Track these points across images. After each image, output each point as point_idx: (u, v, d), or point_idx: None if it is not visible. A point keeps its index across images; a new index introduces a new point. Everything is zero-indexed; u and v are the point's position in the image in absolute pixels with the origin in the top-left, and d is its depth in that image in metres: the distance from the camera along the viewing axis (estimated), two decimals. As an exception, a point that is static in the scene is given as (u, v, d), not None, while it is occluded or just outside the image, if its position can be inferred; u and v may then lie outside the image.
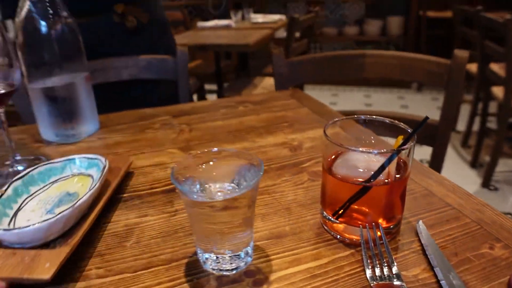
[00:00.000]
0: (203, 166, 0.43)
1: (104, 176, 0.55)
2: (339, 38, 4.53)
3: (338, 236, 0.48)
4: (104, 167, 0.56)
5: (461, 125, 3.04)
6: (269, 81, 2.86)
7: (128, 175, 0.65)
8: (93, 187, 0.51)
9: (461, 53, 1.01)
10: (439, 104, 0.94)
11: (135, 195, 0.59)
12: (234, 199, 0.37)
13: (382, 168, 0.43)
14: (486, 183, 2.33)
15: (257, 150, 0.72)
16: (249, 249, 0.43)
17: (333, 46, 4.77)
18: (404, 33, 4.22)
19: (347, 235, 0.47)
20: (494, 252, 0.44)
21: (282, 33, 3.62)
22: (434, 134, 1.06)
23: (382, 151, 0.44)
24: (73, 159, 0.61)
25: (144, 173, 0.66)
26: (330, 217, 0.48)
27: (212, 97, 3.51)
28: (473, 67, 2.74)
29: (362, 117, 0.49)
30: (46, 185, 0.58)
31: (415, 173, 0.61)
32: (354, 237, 0.46)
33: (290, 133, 0.79)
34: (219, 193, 0.42)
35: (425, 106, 3.67)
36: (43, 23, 0.74)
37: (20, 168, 0.71)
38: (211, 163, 0.43)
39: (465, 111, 3.04)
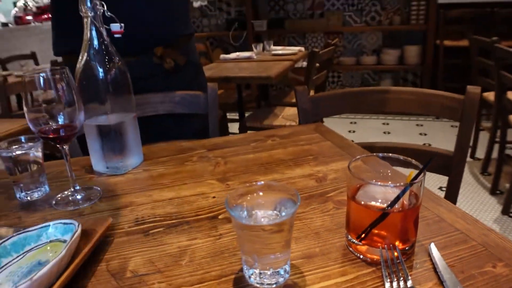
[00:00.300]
0: (250, 196, 0.52)
1: (73, 243, 0.54)
2: (356, 67, 4.64)
3: (361, 256, 0.56)
4: (74, 233, 0.55)
5: (481, 153, 3.08)
6: (289, 111, 2.97)
7: (173, 204, 0.75)
8: (57, 256, 0.49)
9: (474, 89, 1.10)
10: (457, 131, 1.00)
11: (184, 221, 0.69)
12: (278, 224, 0.46)
13: (397, 198, 0.52)
14: (506, 210, 2.36)
15: (287, 181, 0.81)
16: (287, 267, 0.52)
17: (351, 75, 4.89)
18: (422, 62, 4.31)
19: (369, 255, 0.55)
20: (496, 270, 0.52)
21: (301, 62, 3.76)
22: (449, 164, 1.13)
23: (397, 184, 0.53)
24: (48, 226, 0.60)
25: (189, 202, 0.75)
26: (354, 240, 0.56)
27: (234, 126, 3.63)
28: (490, 96, 2.80)
29: (380, 154, 0.58)
30: (20, 255, 0.56)
31: (427, 201, 0.69)
32: (375, 257, 0.55)
33: (315, 165, 0.87)
34: (263, 219, 0.51)
35: (444, 133, 3.71)
36: (100, 69, 0.86)
37: (78, 197, 0.82)
38: (256, 194, 0.53)
39: (484, 138, 3.08)
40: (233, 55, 3.28)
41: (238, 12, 5.01)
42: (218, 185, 0.81)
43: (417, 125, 4.01)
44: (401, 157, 0.57)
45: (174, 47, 1.30)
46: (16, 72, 3.84)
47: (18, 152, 0.81)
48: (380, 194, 0.56)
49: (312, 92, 2.73)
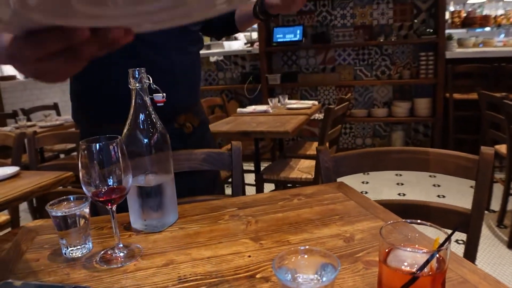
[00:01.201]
0: (294, 259, 0.58)
1: None
2: (368, 119, 4.74)
3: (394, 316, 0.61)
4: None
5: (495, 205, 3.09)
6: (304, 163, 3.04)
7: (212, 263, 0.80)
8: None
9: (487, 150, 1.16)
10: (471, 183, 1.02)
11: (224, 280, 0.74)
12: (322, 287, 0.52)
13: (426, 263, 0.57)
14: (525, 265, 2.35)
15: (316, 242, 0.86)
16: (327, 325, 0.57)
17: (362, 126, 4.98)
18: (432, 114, 4.40)
19: (401, 316, 0.60)
20: (520, 331, 0.57)
21: (314, 115, 3.87)
22: (467, 221, 1.17)
23: (426, 251, 0.59)
24: None
25: (226, 261, 0.81)
26: (386, 301, 0.61)
27: (248, 176, 3.69)
28: (502, 148, 2.86)
29: (408, 220, 0.64)
30: None
31: (451, 262, 0.74)
32: (407, 317, 0.59)
33: (342, 225, 0.93)
34: (305, 283, 0.57)
35: (457, 185, 3.71)
36: (144, 135, 0.94)
37: (121, 254, 0.88)
38: (299, 257, 0.59)
39: (498, 190, 3.10)
40: (249, 108, 3.39)
41: (253, 66, 5.21)
42: (252, 244, 0.87)
43: (430, 176, 4.03)
44: (428, 224, 0.63)
45: (190, 112, 1.43)
46: (40, 123, 4.01)
47: (68, 212, 0.88)
48: (410, 258, 0.61)
49: (327, 144, 2.81)
